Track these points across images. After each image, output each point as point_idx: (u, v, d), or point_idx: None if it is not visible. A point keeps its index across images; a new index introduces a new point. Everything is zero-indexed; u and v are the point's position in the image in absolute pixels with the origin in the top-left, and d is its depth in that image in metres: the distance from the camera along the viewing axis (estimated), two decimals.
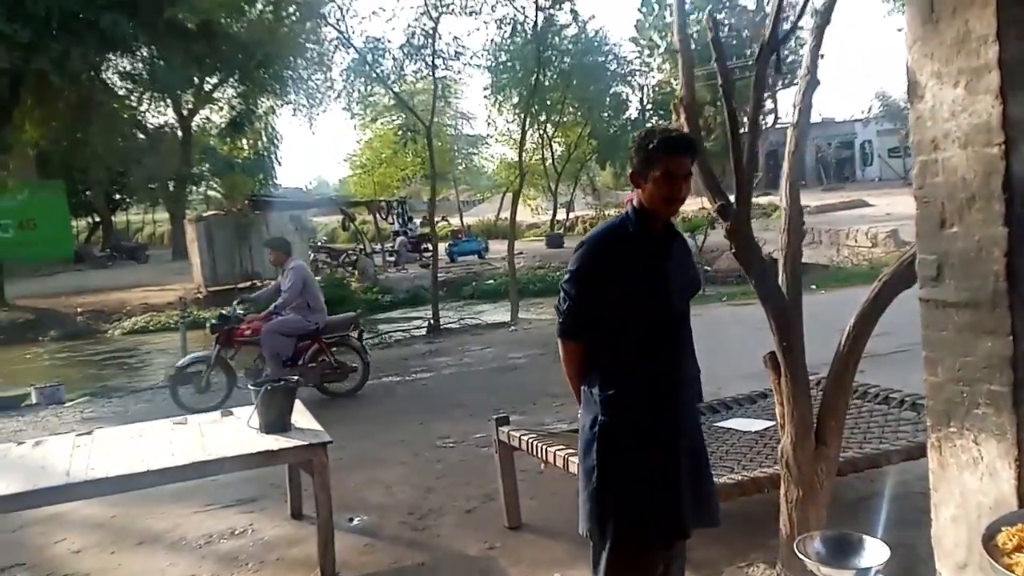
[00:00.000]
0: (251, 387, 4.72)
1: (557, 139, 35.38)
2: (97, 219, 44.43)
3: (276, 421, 4.62)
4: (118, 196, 45.10)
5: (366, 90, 19.00)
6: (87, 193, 40.62)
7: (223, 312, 8.90)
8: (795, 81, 4.89)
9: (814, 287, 13.62)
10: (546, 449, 4.44)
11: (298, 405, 5.01)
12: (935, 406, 2.42)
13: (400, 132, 35.90)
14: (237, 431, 4.73)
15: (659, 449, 2.70)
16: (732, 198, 3.43)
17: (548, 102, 25.05)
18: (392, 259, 25.49)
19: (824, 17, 3.52)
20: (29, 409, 9.94)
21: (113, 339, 18.46)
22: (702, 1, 33.41)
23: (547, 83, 21.71)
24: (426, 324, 14.36)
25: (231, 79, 30.65)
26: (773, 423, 4.53)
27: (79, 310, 20.26)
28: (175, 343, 12.71)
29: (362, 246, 26.25)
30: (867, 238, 20.62)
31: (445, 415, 7.89)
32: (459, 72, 31.55)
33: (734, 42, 33.61)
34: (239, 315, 8.47)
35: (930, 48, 2.31)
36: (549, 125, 30.95)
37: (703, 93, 20.45)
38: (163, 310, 19.00)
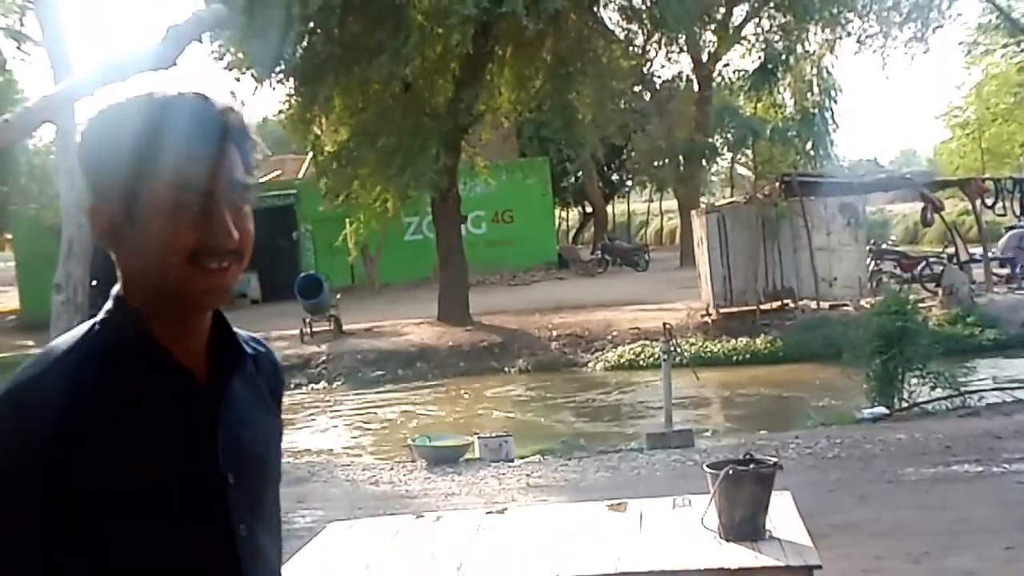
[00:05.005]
0: (706, 469, 4.75)
1: None
2: (588, 210, 48.75)
3: (743, 523, 4.60)
4: (615, 178, 49.30)
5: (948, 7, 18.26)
6: (577, 176, 44.79)
7: None
8: None
9: None
10: None
11: (784, 500, 4.94)
12: None
13: None
14: (688, 530, 4.81)
15: None
16: None
17: None
18: (1004, 271, 23.94)
19: None
20: (470, 465, 11.25)
21: (592, 375, 20.06)
22: None
23: None
24: None
25: (768, 5, 31.73)
26: None
27: (554, 333, 22.37)
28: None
29: (952, 250, 25.00)
30: None
31: None
32: None
33: None
34: None
35: None
36: None
37: None
38: (657, 338, 20.15)
